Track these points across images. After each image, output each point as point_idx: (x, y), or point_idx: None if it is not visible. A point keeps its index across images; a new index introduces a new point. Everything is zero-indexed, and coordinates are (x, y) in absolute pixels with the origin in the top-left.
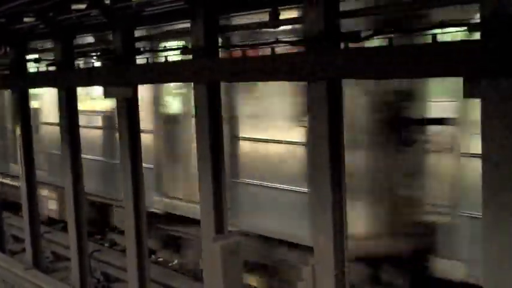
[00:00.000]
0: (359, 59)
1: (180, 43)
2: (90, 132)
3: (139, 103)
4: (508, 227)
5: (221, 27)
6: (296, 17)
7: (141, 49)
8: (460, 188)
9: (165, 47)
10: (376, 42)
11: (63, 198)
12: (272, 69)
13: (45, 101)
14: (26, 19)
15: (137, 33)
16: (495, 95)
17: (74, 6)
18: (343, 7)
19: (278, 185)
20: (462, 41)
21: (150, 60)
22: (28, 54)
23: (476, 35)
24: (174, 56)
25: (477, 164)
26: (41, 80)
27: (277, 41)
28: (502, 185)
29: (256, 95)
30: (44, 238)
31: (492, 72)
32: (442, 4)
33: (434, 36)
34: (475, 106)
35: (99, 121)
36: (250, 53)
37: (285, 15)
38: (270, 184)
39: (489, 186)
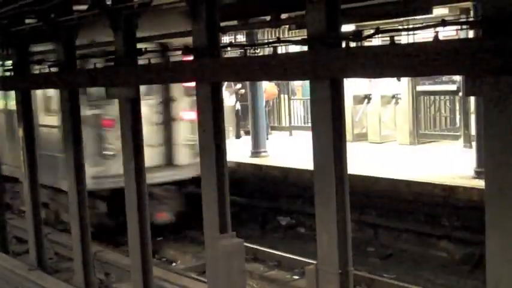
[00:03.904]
0: (361, 57)
1: None
2: None
3: None
4: (510, 223)
5: (223, 27)
6: (297, 17)
7: (143, 49)
8: None
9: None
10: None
11: None
12: (274, 68)
13: None
14: (27, 21)
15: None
16: (497, 93)
17: (75, 7)
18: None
19: None
20: (464, 39)
21: None
22: (30, 55)
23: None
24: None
25: None
26: (43, 81)
27: (279, 40)
28: (505, 182)
29: None
30: (48, 239)
31: (494, 70)
32: (443, 2)
33: (436, 34)
34: None
35: None
36: None
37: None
38: None
39: (492, 184)
